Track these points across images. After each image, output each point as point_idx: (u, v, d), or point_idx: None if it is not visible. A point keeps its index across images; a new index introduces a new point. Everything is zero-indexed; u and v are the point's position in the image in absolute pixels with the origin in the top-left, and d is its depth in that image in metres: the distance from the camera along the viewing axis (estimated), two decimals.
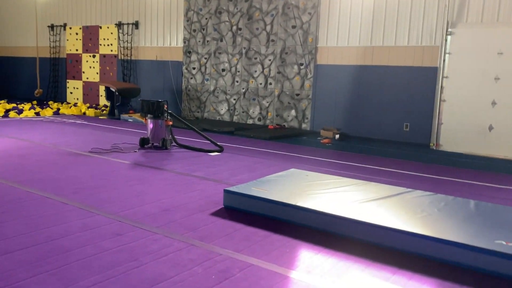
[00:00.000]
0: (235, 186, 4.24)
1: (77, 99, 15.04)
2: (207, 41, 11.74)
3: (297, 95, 10.44)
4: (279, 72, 10.66)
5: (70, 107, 13.02)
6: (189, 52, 12.11)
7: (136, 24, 13.21)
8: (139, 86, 13.01)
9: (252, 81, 11.09)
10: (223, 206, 4.12)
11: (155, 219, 3.71)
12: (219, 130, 9.82)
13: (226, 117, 11.64)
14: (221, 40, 11.49)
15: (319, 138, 9.36)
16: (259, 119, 11.07)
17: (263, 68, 10.89)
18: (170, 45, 12.60)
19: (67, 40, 15.02)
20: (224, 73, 11.56)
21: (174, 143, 7.36)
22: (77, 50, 14.81)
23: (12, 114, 10.56)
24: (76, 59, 14.89)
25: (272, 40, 10.66)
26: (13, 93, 16.91)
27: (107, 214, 3.77)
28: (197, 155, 6.66)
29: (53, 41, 15.35)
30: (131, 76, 13.46)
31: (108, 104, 12.33)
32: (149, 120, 7.05)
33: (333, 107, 10.01)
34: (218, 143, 7.11)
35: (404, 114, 9.15)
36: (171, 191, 4.58)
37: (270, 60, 10.76)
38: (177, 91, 12.48)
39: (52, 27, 15.32)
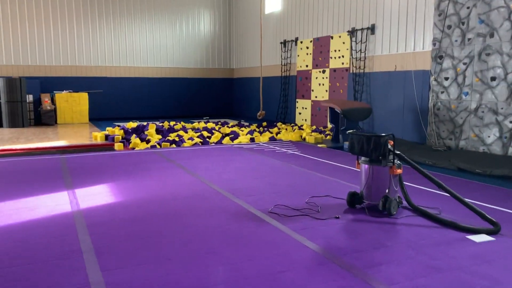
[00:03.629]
0: None
1: (305, 120, 13.50)
2: (469, 39, 8.18)
3: None
4: None
5: (294, 130, 11.46)
6: (441, 57, 8.77)
7: (371, 29, 10.67)
8: (371, 105, 10.37)
9: None
10: None
11: None
12: (485, 172, 6.26)
13: (496, 149, 7.79)
14: (492, 36, 7.76)
15: None
16: None
17: None
18: (413, 50, 9.54)
19: (298, 55, 13.68)
20: (494, 83, 7.79)
21: (405, 204, 4.45)
22: (307, 66, 13.28)
23: (225, 140, 9.53)
24: (306, 76, 13.38)
25: None
26: (249, 115, 16.79)
27: None
28: (447, 237, 3.59)
29: (284, 58, 14.32)
30: (363, 92, 10.96)
31: (330, 127, 10.15)
32: (362, 166, 4.36)
33: None
34: (487, 215, 3.77)
35: None
36: None
37: None
38: (421, 111, 9.29)
39: (284, 43, 14.31)
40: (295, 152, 8.12)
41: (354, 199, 4.40)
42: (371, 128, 10.56)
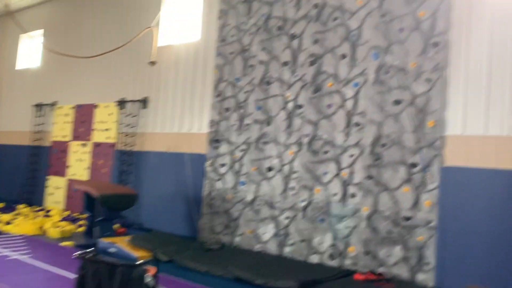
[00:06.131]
0: None
1: (58, 203, 10.78)
2: (246, 124, 7.57)
3: (407, 219, 5.84)
4: (369, 177, 6.19)
5: (37, 217, 8.68)
6: (217, 141, 7.91)
7: (144, 102, 9.31)
8: (139, 190, 8.68)
9: (319, 190, 6.64)
10: None
11: None
12: (266, 284, 5.16)
13: (272, 247, 7.01)
14: (269, 124, 7.30)
15: None
16: (331, 257, 6.38)
17: (339, 169, 6.48)
18: (189, 130, 8.50)
19: (55, 123, 11.20)
20: (271, 174, 7.19)
21: None
22: (65, 136, 10.90)
23: None
24: (62, 149, 10.92)
25: (357, 124, 6.38)
26: None
27: None
28: None
29: (37, 124, 11.56)
30: (131, 174, 9.23)
31: (86, 216, 7.97)
32: None
33: (484, 247, 5.30)
34: None
35: None
36: None
37: (352, 155, 6.37)
38: (194, 200, 8.08)
39: (39, 106, 11.64)
40: (21, 258, 5.60)
41: None
42: (136, 218, 8.76)
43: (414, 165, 5.84)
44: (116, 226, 7.80)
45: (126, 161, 9.34)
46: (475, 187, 5.43)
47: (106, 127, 9.94)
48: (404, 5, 6.11)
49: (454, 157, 5.61)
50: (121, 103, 9.66)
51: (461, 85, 5.64)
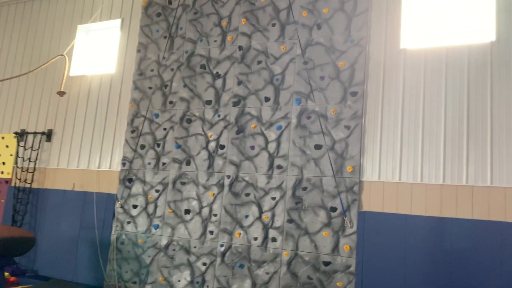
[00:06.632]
0: None
1: None
2: (164, 163, 7.18)
3: (326, 264, 5.82)
4: (291, 221, 6.14)
5: None
6: (130, 180, 7.39)
7: (48, 135, 8.48)
8: (36, 233, 7.73)
9: (240, 234, 6.42)
10: None
11: None
12: None
13: None
14: (188, 163, 7.00)
15: None
16: None
17: (260, 213, 6.35)
18: (99, 167, 7.86)
19: None
20: (188, 217, 6.83)
21: None
22: None
23: None
24: None
25: (279, 167, 6.36)
26: None
27: None
28: None
29: None
30: (27, 214, 8.22)
31: None
32: None
33: None
34: None
35: None
36: None
37: (274, 198, 6.30)
38: (101, 244, 7.36)
39: None
40: None
41: None
42: (31, 265, 7.73)
43: (333, 209, 5.92)
44: (6, 274, 6.78)
45: (22, 200, 8.31)
46: (390, 232, 5.61)
47: (0, 161, 8.85)
48: (325, 55, 6.37)
49: (371, 202, 5.79)
50: (21, 135, 8.70)
51: (377, 133, 5.93)
